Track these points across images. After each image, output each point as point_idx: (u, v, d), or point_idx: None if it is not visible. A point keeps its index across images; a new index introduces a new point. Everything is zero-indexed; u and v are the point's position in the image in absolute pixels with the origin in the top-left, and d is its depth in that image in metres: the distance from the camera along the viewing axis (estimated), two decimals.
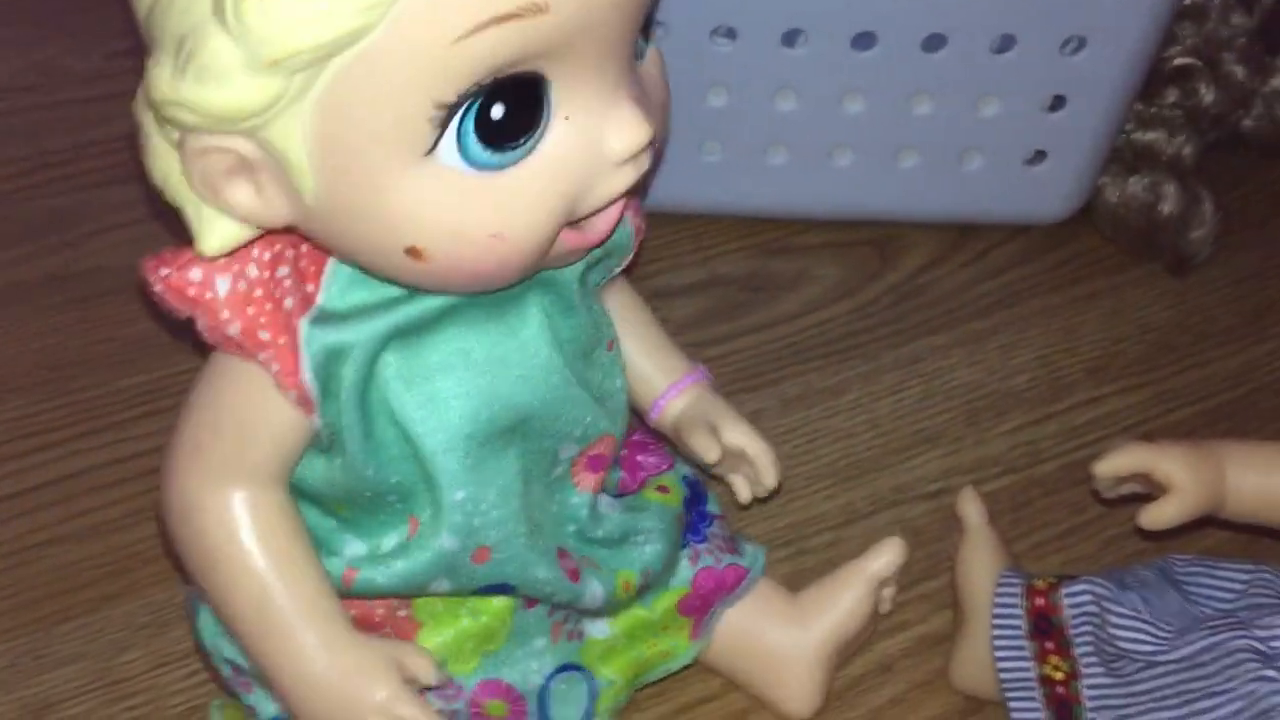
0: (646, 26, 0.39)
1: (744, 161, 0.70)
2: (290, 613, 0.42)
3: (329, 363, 0.39)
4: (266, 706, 0.45)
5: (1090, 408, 0.65)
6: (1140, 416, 0.65)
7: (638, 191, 0.45)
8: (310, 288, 0.40)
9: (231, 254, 0.38)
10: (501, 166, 0.36)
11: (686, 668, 0.52)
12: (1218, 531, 0.59)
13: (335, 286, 0.40)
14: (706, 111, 0.67)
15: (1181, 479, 0.46)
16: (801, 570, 0.57)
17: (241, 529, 0.41)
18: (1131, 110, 0.70)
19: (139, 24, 0.35)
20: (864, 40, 0.64)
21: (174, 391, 0.62)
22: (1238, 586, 0.47)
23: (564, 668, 0.48)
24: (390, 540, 0.43)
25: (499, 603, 0.46)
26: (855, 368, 0.67)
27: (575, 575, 0.46)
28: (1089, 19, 0.64)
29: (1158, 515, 0.46)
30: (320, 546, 0.44)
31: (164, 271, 0.39)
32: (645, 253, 0.57)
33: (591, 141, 0.37)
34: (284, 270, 0.39)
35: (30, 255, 0.68)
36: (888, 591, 0.53)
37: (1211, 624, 0.44)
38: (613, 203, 0.39)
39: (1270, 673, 0.42)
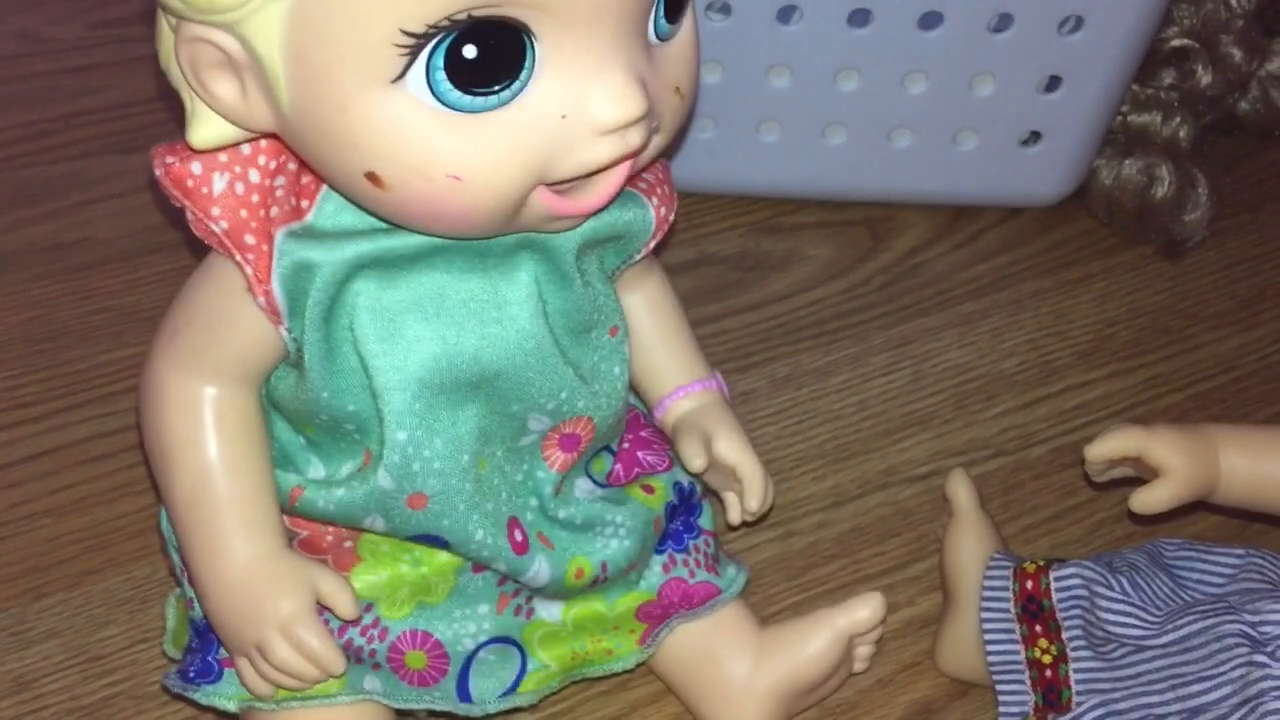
0: (674, 7, 0.38)
1: (737, 139, 0.69)
2: (221, 508, 0.42)
3: (297, 277, 0.40)
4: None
5: (1080, 391, 0.65)
6: (1130, 401, 0.65)
7: (660, 182, 0.45)
8: (305, 204, 0.40)
9: (236, 155, 0.39)
10: (472, 110, 0.35)
11: (628, 672, 0.50)
12: (1208, 516, 0.59)
13: (328, 206, 0.40)
14: (700, 88, 0.66)
15: (1174, 463, 0.46)
16: (789, 552, 0.57)
17: (194, 417, 0.42)
18: (1127, 92, 0.70)
19: None
20: (859, 17, 0.64)
21: None
22: (1228, 571, 0.47)
23: (500, 639, 0.47)
24: (345, 468, 0.44)
25: (443, 558, 0.46)
26: (845, 349, 0.66)
27: (522, 548, 0.45)
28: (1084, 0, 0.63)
29: (1150, 499, 0.46)
30: (285, 460, 0.45)
31: (169, 159, 0.39)
32: None
33: (575, 107, 0.36)
34: (281, 180, 0.40)
35: (18, 224, 0.67)
36: (864, 650, 0.51)
37: (1201, 608, 0.44)
38: (598, 173, 0.38)
39: (1260, 658, 0.42)
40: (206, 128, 0.38)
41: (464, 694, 0.47)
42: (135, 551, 0.55)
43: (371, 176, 0.36)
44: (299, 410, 0.44)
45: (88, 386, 0.60)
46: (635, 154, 0.38)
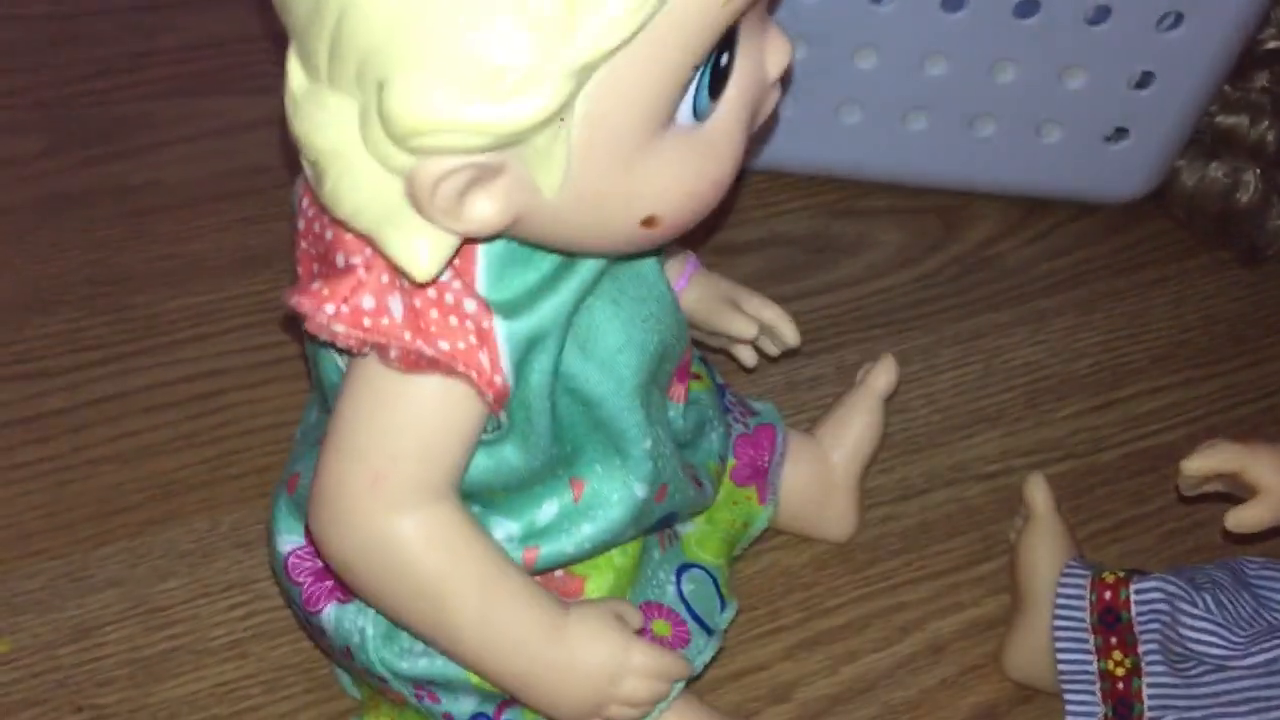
0: None
1: (817, 118, 0.68)
2: (518, 610, 0.40)
3: (527, 353, 0.38)
4: (459, 706, 0.44)
5: (1153, 397, 0.64)
6: (1204, 409, 0.64)
7: None
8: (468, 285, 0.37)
9: (392, 275, 0.36)
10: (709, 115, 0.35)
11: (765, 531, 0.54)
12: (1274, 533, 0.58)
13: (488, 277, 0.37)
14: None
15: (1272, 482, 0.45)
16: (854, 544, 0.56)
17: (447, 545, 0.39)
18: (1218, 92, 0.68)
19: (327, 44, 0.32)
20: (954, 2, 0.62)
21: (226, 315, 0.61)
22: None
23: (680, 568, 0.48)
24: (549, 510, 0.42)
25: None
26: (915, 340, 0.65)
27: (698, 483, 0.46)
28: None
29: (1247, 518, 0.45)
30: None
31: (330, 309, 0.35)
32: None
33: (758, 67, 0.37)
34: (447, 275, 0.36)
35: (85, 163, 0.66)
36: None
37: None
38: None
39: None
40: (427, 253, 0.34)
41: (705, 628, 0.47)
42: (198, 503, 0.54)
43: (648, 220, 0.36)
44: (498, 481, 0.41)
45: (152, 333, 0.60)
46: None
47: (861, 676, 0.52)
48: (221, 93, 0.70)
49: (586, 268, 0.39)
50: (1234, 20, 0.63)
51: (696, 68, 0.33)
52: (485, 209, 0.33)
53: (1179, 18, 0.63)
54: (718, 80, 0.35)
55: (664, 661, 0.42)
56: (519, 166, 0.33)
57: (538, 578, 0.43)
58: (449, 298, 0.36)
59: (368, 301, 0.36)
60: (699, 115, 0.35)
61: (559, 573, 0.44)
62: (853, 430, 0.55)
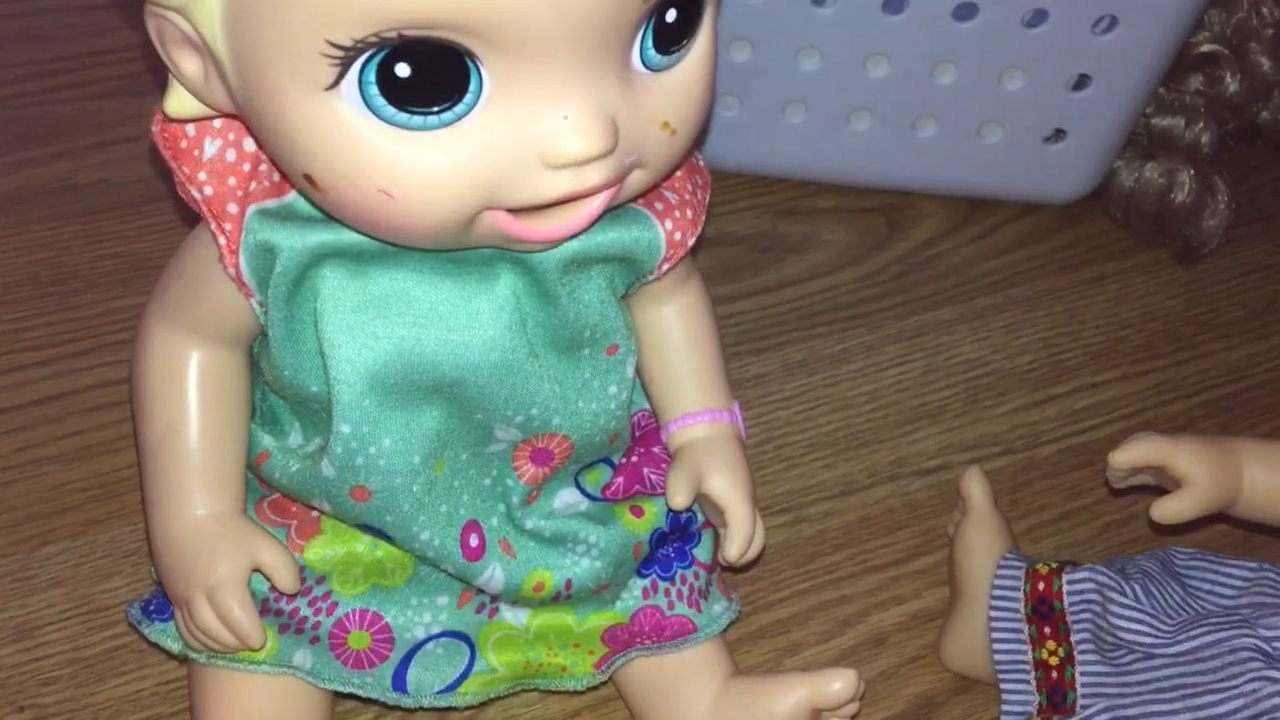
0: (669, 38, 0.36)
1: (762, 119, 0.69)
2: (182, 462, 0.43)
3: (261, 256, 0.39)
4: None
5: (1091, 393, 0.65)
6: (1140, 405, 0.65)
7: (683, 204, 0.43)
8: None
9: (234, 119, 0.38)
10: (409, 127, 0.34)
11: (577, 693, 0.48)
12: (1211, 525, 0.59)
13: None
14: (728, 65, 0.66)
15: (1198, 474, 0.46)
16: (798, 539, 0.57)
17: (172, 370, 0.43)
18: (1153, 94, 0.70)
19: None
20: (894, 4, 0.63)
21: None
22: (1240, 584, 0.47)
23: (453, 634, 0.46)
24: (315, 444, 0.44)
25: None
26: (859, 337, 0.66)
27: (477, 553, 0.44)
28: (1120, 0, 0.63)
29: (1172, 509, 0.46)
30: (273, 421, 0.45)
31: (160, 117, 0.39)
32: None
33: (524, 136, 0.35)
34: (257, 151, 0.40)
35: (28, 163, 0.66)
36: None
37: (1214, 620, 0.44)
38: (558, 204, 0.36)
39: (1273, 673, 0.42)
40: (176, 99, 0.37)
41: (399, 683, 0.45)
42: (141, 503, 0.54)
43: (308, 179, 0.36)
44: (272, 379, 0.43)
45: (95, 333, 0.60)
46: (597, 191, 0.36)
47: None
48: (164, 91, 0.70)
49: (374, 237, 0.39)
50: (1168, 24, 0.64)
51: (339, 48, 0.32)
52: (191, 67, 0.36)
53: (1114, 21, 0.64)
54: (401, 91, 0.33)
55: (237, 616, 0.42)
56: (210, 52, 0.35)
57: (296, 503, 0.45)
58: (249, 165, 0.39)
59: (191, 128, 0.39)
60: (377, 113, 0.34)
61: (314, 513, 0.46)
62: (764, 710, 0.46)
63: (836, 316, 0.67)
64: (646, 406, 0.50)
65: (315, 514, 0.46)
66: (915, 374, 0.65)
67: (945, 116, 0.68)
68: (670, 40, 0.36)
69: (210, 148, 0.39)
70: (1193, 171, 0.71)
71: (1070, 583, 0.48)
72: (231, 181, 0.39)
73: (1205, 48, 0.70)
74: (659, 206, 0.43)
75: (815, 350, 0.65)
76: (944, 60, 0.66)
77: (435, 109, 0.34)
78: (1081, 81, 0.67)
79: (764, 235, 0.70)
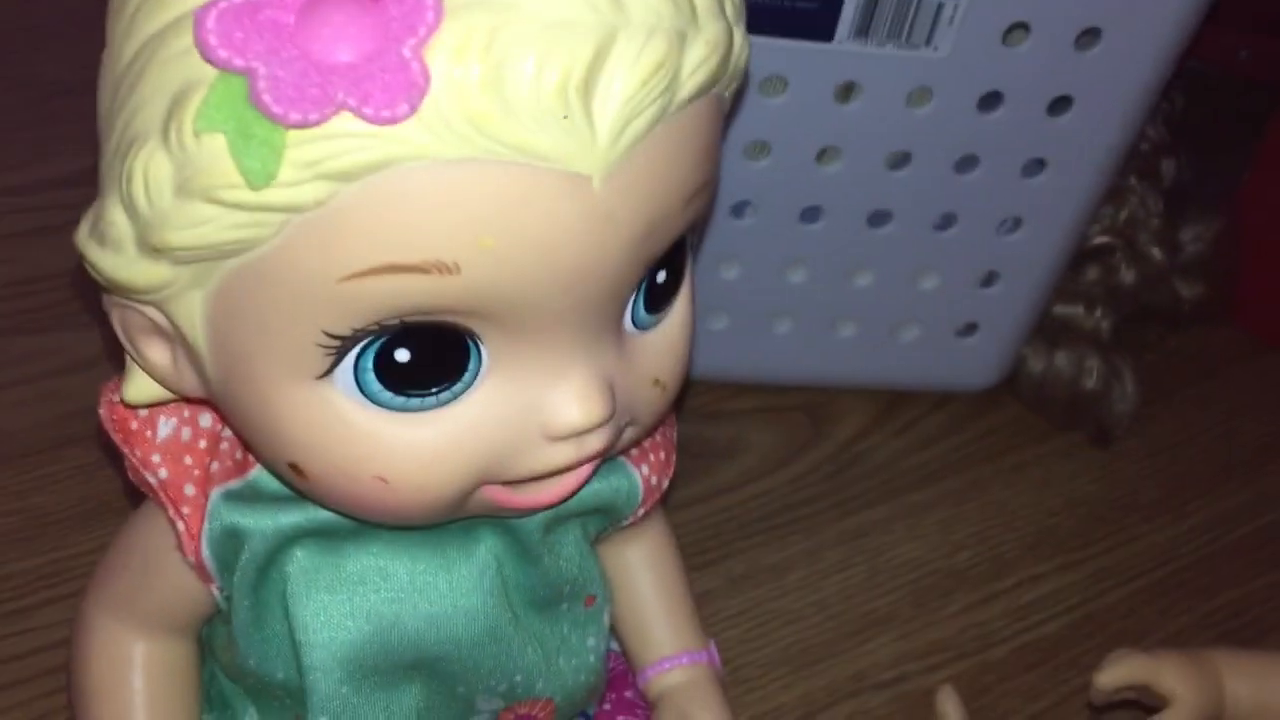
0: (659, 297, 0.35)
1: None
2: None
3: (227, 541, 0.37)
4: None
5: (1033, 586, 0.65)
6: (1081, 596, 0.65)
7: (656, 447, 0.43)
8: (252, 458, 0.37)
9: (190, 400, 0.36)
10: (408, 410, 0.32)
11: None
12: None
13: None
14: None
15: (1183, 692, 0.46)
16: None
17: (117, 669, 0.40)
18: (1056, 286, 0.72)
19: None
20: (811, 214, 0.64)
21: (77, 575, 0.56)
22: None
23: None
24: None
25: None
26: (798, 543, 0.65)
27: None
28: (1023, 203, 0.65)
29: None
30: (224, 704, 0.43)
31: (115, 397, 0.37)
32: None
33: (525, 409, 0.33)
34: (229, 431, 0.37)
35: None
36: None
37: None
38: (555, 474, 0.35)
39: None
40: (135, 386, 0.36)
41: None
42: None
43: (294, 468, 0.34)
44: (230, 664, 0.40)
45: None
46: (596, 457, 0.35)
47: None
48: (60, 329, 0.66)
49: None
50: (1068, 222, 0.67)
51: (336, 338, 0.31)
52: (158, 356, 0.34)
53: (1018, 222, 0.66)
54: (402, 376, 0.32)
55: None
56: (184, 342, 0.33)
57: None
58: (206, 443, 0.37)
59: (142, 410, 0.37)
60: (373, 400, 0.32)
61: None
62: None
63: (773, 523, 0.66)
64: (615, 647, 0.48)
65: None
66: (859, 579, 0.64)
67: (863, 317, 0.69)
68: (662, 300, 0.36)
69: (164, 428, 0.37)
70: (1100, 358, 0.73)
71: None
72: (188, 460, 0.37)
73: (1099, 239, 0.73)
74: (634, 452, 0.42)
75: (757, 561, 0.64)
76: (860, 265, 0.67)
77: (434, 390, 0.32)
78: (990, 278, 0.69)
79: (691, 441, 0.69)
